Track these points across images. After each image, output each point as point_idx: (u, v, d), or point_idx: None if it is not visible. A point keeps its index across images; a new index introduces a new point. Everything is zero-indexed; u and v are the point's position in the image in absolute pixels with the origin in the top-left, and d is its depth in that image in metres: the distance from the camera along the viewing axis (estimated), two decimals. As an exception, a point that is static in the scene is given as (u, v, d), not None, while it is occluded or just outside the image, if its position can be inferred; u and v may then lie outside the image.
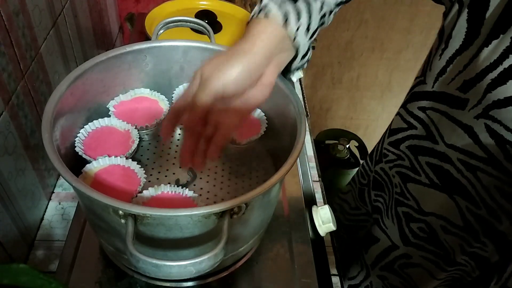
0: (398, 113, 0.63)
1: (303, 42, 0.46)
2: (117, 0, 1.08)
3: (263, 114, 0.59)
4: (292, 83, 0.92)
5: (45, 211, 0.65)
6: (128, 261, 0.52)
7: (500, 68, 0.43)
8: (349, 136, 1.48)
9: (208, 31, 0.62)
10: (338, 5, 0.50)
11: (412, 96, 0.59)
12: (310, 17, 0.46)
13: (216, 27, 0.87)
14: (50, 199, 0.67)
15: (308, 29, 0.46)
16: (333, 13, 0.50)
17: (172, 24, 0.61)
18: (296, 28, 0.45)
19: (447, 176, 0.56)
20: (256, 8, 0.46)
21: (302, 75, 0.92)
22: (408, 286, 0.70)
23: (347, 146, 1.43)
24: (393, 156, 0.65)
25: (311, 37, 0.47)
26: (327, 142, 1.47)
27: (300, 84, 0.97)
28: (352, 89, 1.52)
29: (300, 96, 0.94)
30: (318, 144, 1.46)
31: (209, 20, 0.84)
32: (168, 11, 0.91)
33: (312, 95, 1.53)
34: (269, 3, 0.45)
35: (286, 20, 0.44)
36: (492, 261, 0.57)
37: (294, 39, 0.46)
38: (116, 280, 0.54)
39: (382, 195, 0.71)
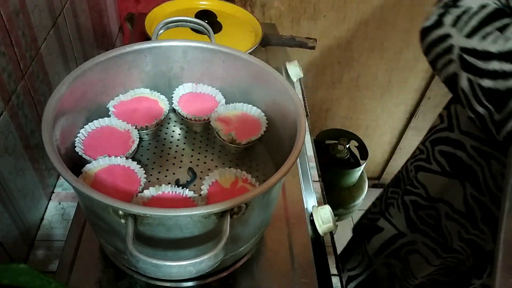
0: (440, 114, 0.64)
1: None
2: (117, 0, 1.08)
3: (263, 114, 0.59)
4: (292, 83, 0.92)
5: (45, 211, 0.65)
6: (128, 261, 0.52)
7: None
8: (349, 136, 1.48)
9: (208, 31, 0.62)
10: None
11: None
12: None
13: (216, 27, 0.87)
14: (50, 199, 0.67)
15: None
16: None
17: (172, 24, 0.61)
18: None
19: (459, 163, 0.56)
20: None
21: (302, 75, 0.92)
22: (404, 272, 0.71)
23: (347, 146, 1.43)
24: (417, 151, 0.66)
25: None
26: (327, 142, 1.47)
27: (300, 84, 0.97)
28: (352, 89, 1.52)
29: (300, 96, 0.94)
30: (318, 144, 1.46)
31: (209, 20, 0.84)
32: (168, 11, 0.91)
33: (312, 95, 1.53)
34: None
35: None
36: (487, 249, 0.57)
37: None
38: (116, 280, 0.54)
39: (398, 191, 0.72)
